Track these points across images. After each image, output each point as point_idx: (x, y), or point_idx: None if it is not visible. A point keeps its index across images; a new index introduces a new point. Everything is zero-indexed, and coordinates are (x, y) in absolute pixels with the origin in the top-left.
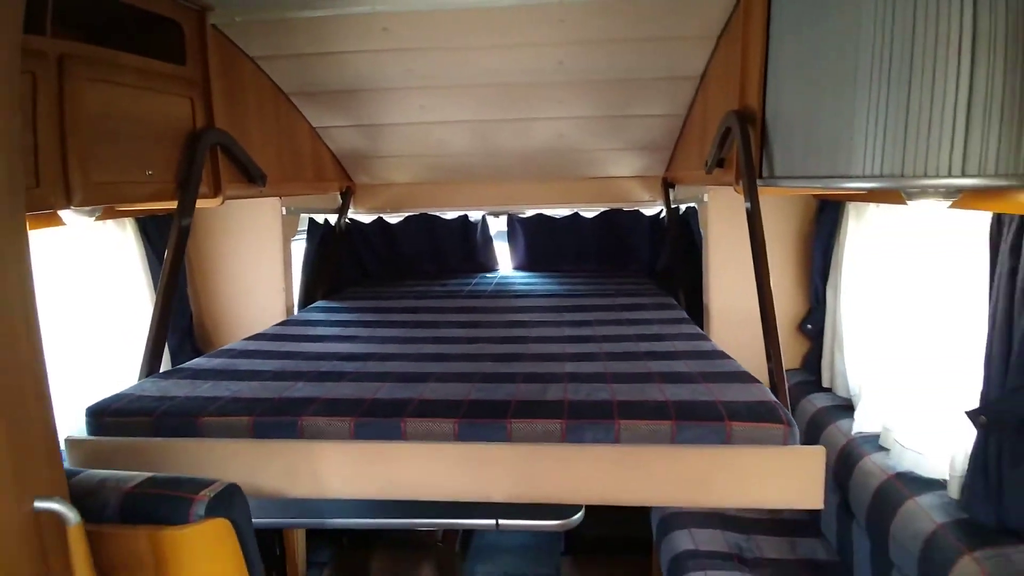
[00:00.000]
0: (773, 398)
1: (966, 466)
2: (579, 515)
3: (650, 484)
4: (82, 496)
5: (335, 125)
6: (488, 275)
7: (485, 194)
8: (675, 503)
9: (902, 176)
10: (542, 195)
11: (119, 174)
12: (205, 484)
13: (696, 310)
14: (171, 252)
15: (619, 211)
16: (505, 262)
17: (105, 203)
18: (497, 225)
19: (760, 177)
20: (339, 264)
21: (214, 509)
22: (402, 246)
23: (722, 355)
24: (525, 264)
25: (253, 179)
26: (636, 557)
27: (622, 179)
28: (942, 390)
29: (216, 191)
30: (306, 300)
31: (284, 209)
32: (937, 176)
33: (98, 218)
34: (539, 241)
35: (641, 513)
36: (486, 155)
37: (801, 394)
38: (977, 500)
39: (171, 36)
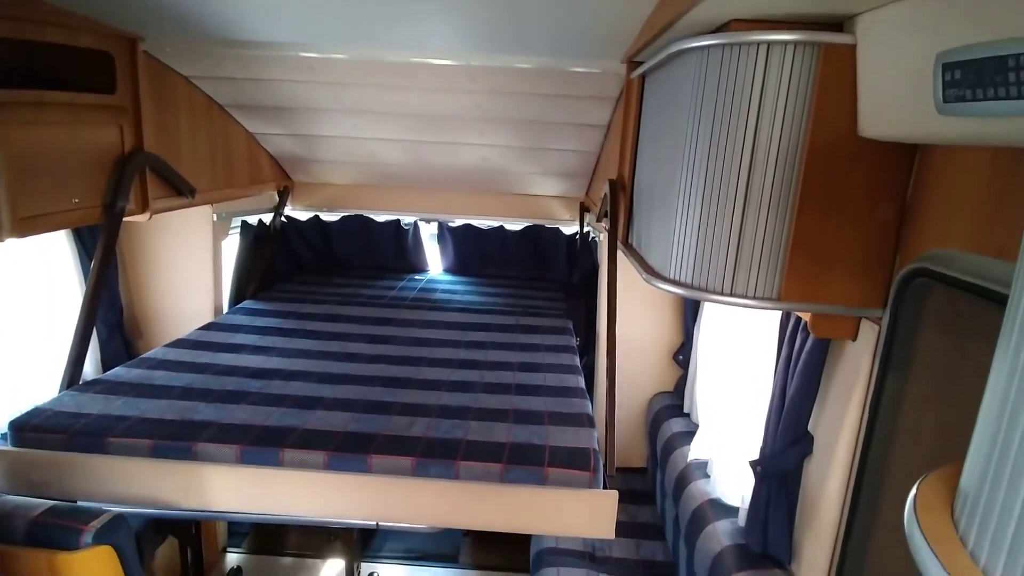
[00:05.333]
0: (593, 445)
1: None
2: None
3: (479, 513)
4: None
5: (271, 133)
6: (417, 276)
7: (417, 201)
8: (499, 528)
9: (693, 288)
10: (470, 206)
11: (45, 206)
12: (96, 515)
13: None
14: (94, 274)
15: (541, 227)
16: (435, 264)
17: (32, 234)
18: (429, 230)
19: (624, 242)
20: (272, 261)
21: (100, 537)
22: (337, 244)
23: (580, 394)
24: (454, 268)
25: (182, 193)
26: (522, 544)
27: (545, 198)
28: (748, 435)
29: (144, 207)
30: (236, 297)
31: (215, 216)
32: (717, 294)
33: None
34: (467, 248)
35: None
36: (417, 168)
37: (665, 416)
38: (750, 531)
39: (100, 66)
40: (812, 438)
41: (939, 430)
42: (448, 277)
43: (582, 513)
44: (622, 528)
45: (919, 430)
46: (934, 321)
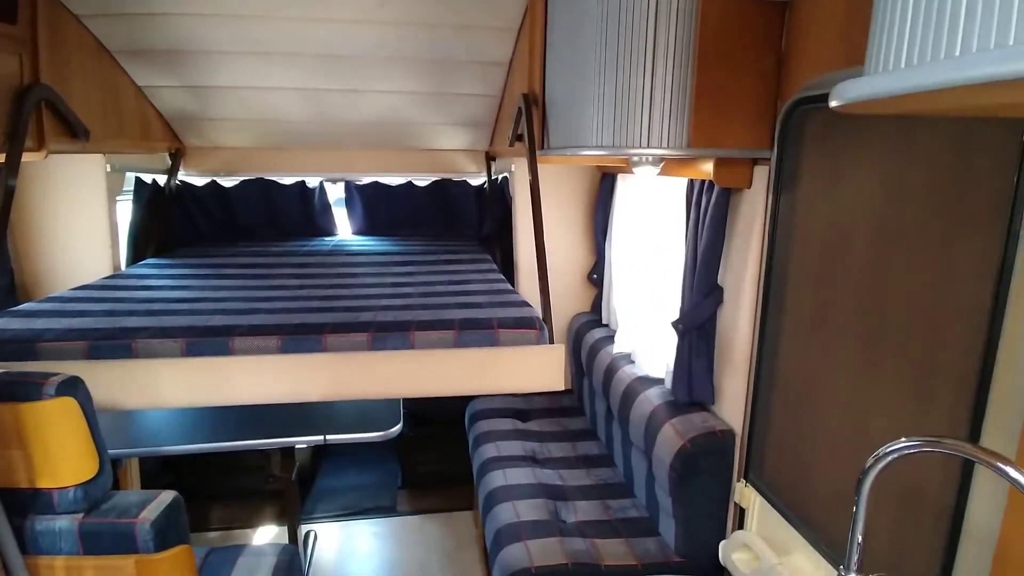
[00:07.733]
0: (535, 314)
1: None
2: (397, 427)
3: (438, 379)
4: None
5: (162, 85)
6: (327, 239)
7: (322, 161)
8: (458, 392)
9: (614, 147)
10: (377, 163)
11: None
12: (52, 375)
13: (511, 266)
14: None
15: (449, 181)
16: (344, 228)
17: None
18: (336, 192)
19: (541, 149)
20: (169, 225)
21: (62, 391)
22: (238, 210)
23: (512, 292)
24: (364, 229)
25: (76, 134)
26: (462, 486)
27: (451, 151)
28: (666, 312)
29: (40, 145)
30: (134, 259)
31: (108, 166)
32: (636, 147)
33: None
34: (376, 207)
35: (465, 450)
36: (320, 123)
37: (586, 330)
38: (677, 385)
39: None
40: (722, 289)
41: (827, 232)
42: (359, 238)
43: (534, 368)
44: (557, 435)
45: (808, 241)
46: (813, 141)
